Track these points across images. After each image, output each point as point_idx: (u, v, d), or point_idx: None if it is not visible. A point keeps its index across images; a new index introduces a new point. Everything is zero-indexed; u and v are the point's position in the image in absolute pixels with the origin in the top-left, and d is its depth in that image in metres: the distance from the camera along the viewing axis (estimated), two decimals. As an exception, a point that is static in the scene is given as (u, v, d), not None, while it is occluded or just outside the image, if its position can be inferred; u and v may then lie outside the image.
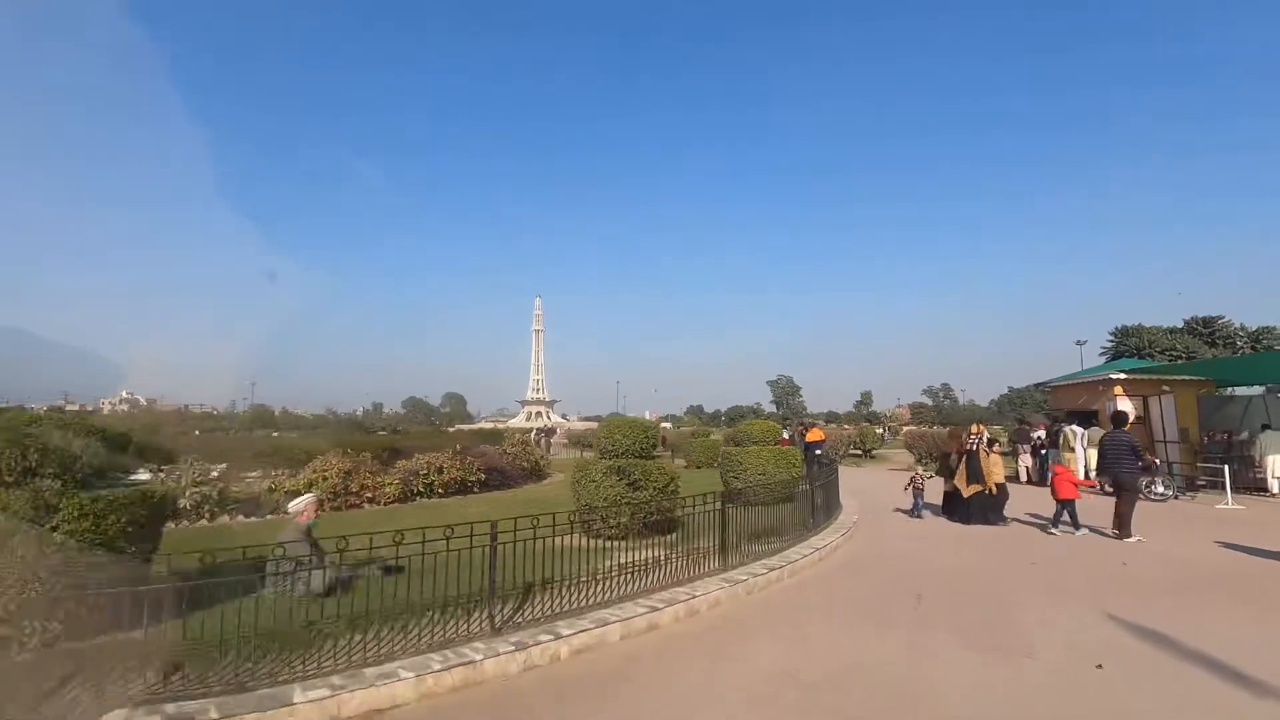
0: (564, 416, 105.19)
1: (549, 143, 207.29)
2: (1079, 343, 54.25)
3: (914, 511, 12.52)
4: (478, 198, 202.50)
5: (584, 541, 7.64)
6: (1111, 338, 67.03)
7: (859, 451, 33.30)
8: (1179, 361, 45.34)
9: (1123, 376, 18.55)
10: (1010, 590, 7.14)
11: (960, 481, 11.62)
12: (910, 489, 12.99)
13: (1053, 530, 10.61)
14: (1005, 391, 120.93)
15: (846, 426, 48.33)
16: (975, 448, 11.78)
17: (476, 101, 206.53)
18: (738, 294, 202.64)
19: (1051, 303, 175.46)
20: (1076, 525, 10.56)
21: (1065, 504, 10.65)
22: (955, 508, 11.95)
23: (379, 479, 11.76)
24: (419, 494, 12.47)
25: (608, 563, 6.60)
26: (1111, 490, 11.55)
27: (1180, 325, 66.28)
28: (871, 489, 17.64)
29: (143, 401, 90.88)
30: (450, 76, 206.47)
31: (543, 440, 33.60)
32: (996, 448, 12.33)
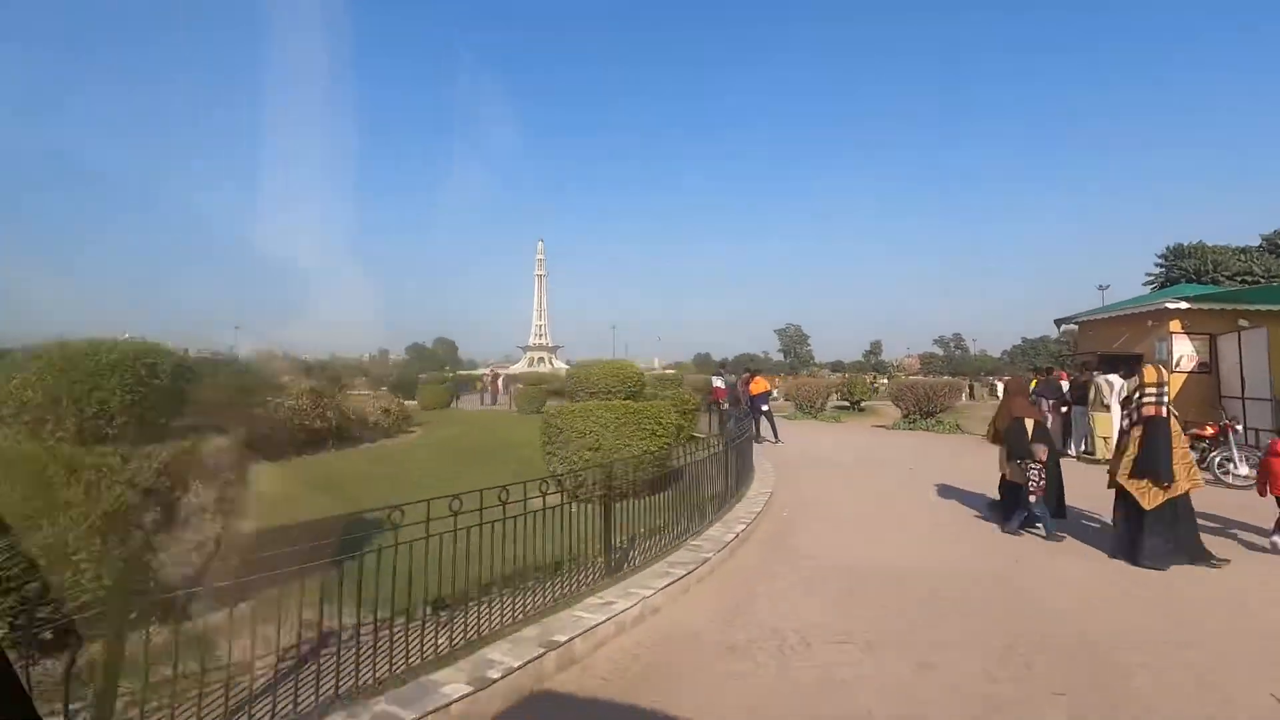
0: (567, 362, 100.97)
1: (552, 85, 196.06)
2: (1102, 288, 47.53)
3: (1018, 522, 6.69)
4: (483, 139, 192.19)
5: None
6: (1160, 263, 50.55)
7: (846, 403, 28.03)
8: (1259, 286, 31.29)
9: (1184, 306, 12.96)
10: None
11: (1131, 481, 5.70)
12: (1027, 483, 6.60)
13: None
14: (1019, 342, 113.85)
15: (839, 375, 42.97)
16: (1158, 410, 5.80)
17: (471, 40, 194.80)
18: (749, 240, 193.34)
19: (1075, 246, 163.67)
20: None
21: None
22: (1012, 514, 6.81)
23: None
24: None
25: None
26: None
27: (1258, 243, 48.12)
28: (824, 460, 12.50)
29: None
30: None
31: (487, 384, 28.97)
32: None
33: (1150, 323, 13.34)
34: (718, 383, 14.23)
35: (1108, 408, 12.34)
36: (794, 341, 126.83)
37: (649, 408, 7.20)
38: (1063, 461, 12.38)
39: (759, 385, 14.48)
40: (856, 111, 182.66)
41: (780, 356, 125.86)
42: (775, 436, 14.47)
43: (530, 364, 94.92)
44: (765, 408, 14.56)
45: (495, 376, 32.19)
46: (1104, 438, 12.14)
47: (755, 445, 14.30)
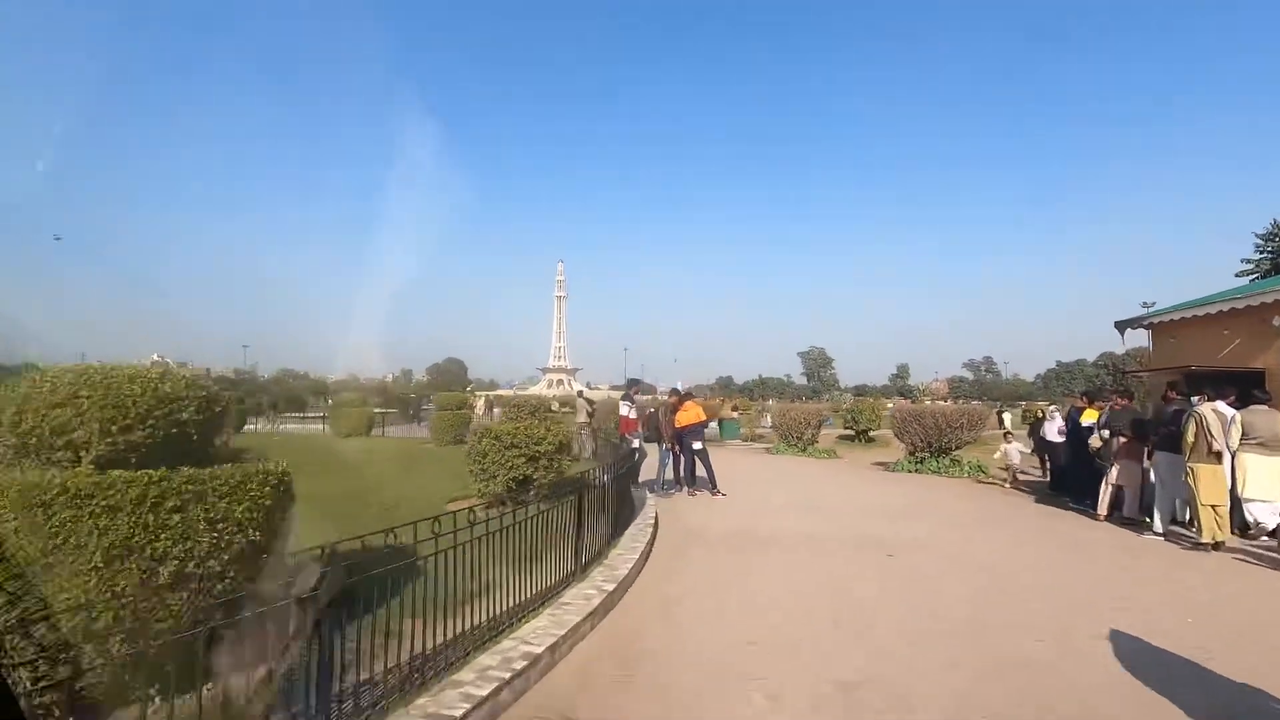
0: (588, 384, 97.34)
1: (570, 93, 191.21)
2: (1146, 305, 41.23)
3: None
4: (500, 163, 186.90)
5: None
6: (1264, 245, 41.53)
7: (851, 432, 23.01)
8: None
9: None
10: None
11: None
12: None
13: None
14: (1053, 366, 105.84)
15: (852, 399, 37.80)
16: None
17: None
18: (772, 261, 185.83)
19: (1119, 260, 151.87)
20: None
21: None
22: None
23: None
24: None
25: None
26: None
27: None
28: (760, 530, 7.81)
29: (172, 365, 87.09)
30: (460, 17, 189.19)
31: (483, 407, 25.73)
32: None
33: (1277, 319, 8.37)
34: (625, 410, 9.70)
35: (1218, 456, 7.35)
36: (817, 365, 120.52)
37: (137, 484, 2.70)
38: (1153, 543, 7.44)
39: (689, 414, 9.88)
40: (883, 126, 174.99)
41: (803, 380, 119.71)
42: (713, 485, 9.87)
43: (549, 386, 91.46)
44: (698, 445, 9.97)
45: (490, 401, 28.84)
46: (1212, 506, 7.14)
47: (690, 498, 9.79)
